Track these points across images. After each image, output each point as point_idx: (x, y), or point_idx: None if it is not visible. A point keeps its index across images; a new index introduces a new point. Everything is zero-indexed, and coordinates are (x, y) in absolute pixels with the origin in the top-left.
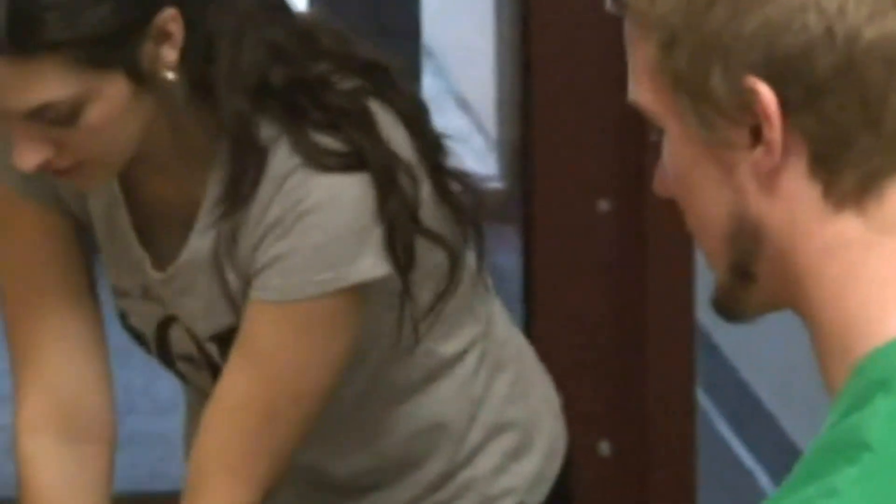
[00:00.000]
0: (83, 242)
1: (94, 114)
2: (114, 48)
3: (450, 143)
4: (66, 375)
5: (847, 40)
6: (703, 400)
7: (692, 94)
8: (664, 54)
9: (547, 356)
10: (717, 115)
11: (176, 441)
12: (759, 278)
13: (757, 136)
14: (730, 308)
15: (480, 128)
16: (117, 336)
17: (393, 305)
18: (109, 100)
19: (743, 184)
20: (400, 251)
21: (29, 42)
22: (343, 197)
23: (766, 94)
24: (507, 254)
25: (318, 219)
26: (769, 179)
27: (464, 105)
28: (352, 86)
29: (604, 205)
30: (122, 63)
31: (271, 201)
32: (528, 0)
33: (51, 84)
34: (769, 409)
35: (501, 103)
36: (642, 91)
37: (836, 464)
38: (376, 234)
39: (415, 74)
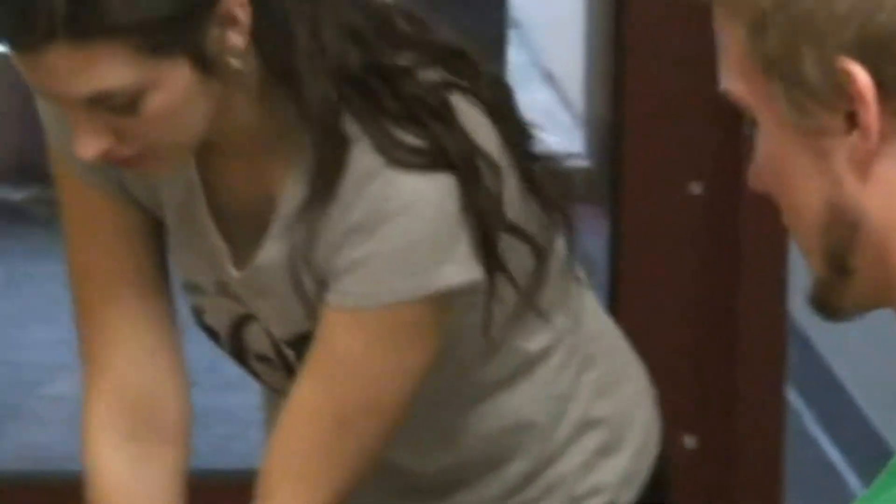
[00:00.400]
0: (156, 234)
1: (156, 102)
2: (176, 33)
3: (535, 123)
4: (136, 372)
5: None
6: (793, 396)
7: (784, 79)
8: (754, 38)
9: (634, 334)
10: (810, 100)
11: (241, 418)
12: (858, 272)
13: (852, 120)
14: (827, 305)
15: (567, 103)
16: (181, 310)
17: (476, 304)
18: (172, 88)
19: (838, 172)
20: (485, 254)
21: (88, 26)
22: (427, 201)
23: (861, 76)
24: (592, 236)
25: (402, 222)
26: (866, 166)
27: (550, 79)
28: (433, 77)
29: (696, 187)
30: (186, 49)
31: (352, 203)
32: None
33: (110, 70)
34: (862, 409)
35: (590, 78)
36: (733, 79)
37: None
38: (462, 239)
39: (500, 46)
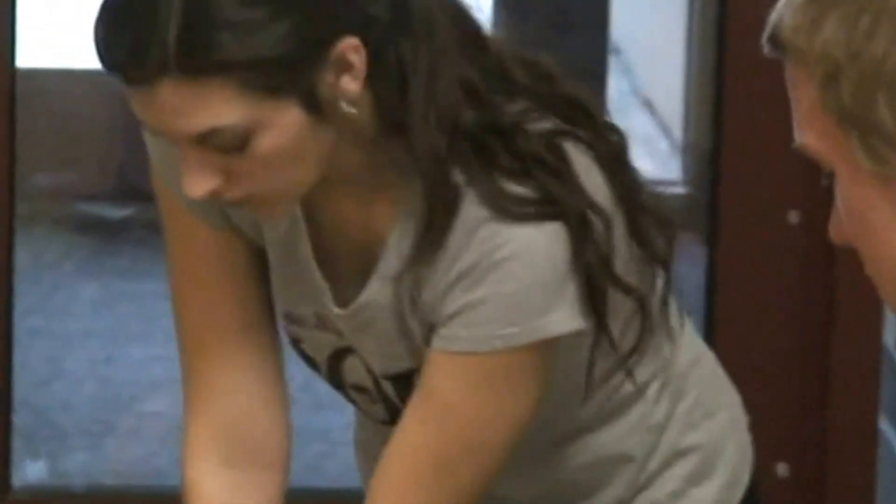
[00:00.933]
0: (259, 262)
1: (266, 143)
2: (288, 74)
3: (634, 148)
4: (237, 398)
5: None
6: (886, 426)
7: (859, 128)
8: (827, 90)
9: (730, 363)
10: (887, 148)
11: (335, 437)
12: None
13: None
14: None
15: (665, 130)
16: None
17: (579, 347)
18: (282, 129)
19: None
20: (593, 305)
21: (199, 63)
22: (537, 248)
23: None
24: (689, 264)
25: (512, 269)
26: None
27: (649, 106)
28: (547, 127)
29: (794, 216)
30: (297, 91)
31: (461, 249)
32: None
33: (220, 108)
34: None
35: (689, 106)
36: (808, 133)
37: None
38: (569, 288)
39: (601, 73)
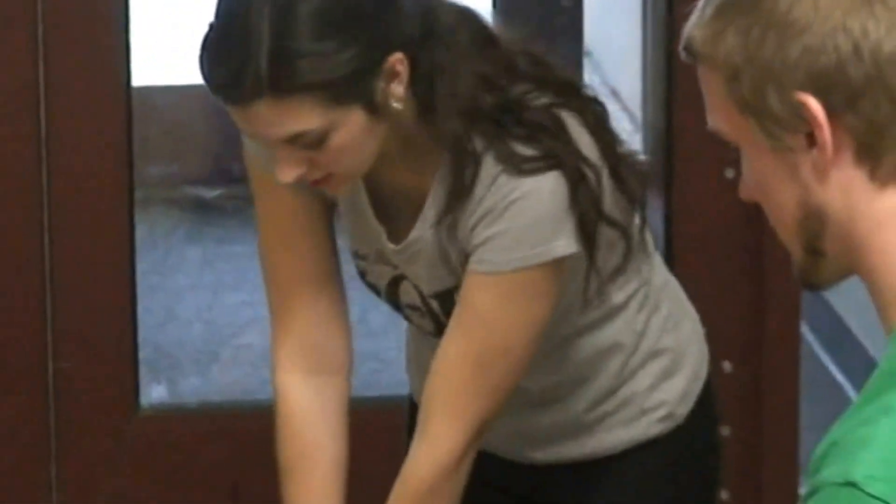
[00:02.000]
0: (327, 217)
1: (338, 139)
2: (353, 88)
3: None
4: (313, 323)
5: (872, 53)
6: (806, 331)
7: (756, 115)
8: (730, 87)
9: (684, 284)
10: (778, 128)
11: (385, 357)
12: (828, 254)
13: (811, 139)
14: (809, 281)
15: (629, 113)
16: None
17: (578, 270)
18: (350, 128)
19: (805, 179)
20: (587, 234)
21: (285, 85)
22: (542, 191)
23: (814, 105)
24: (649, 213)
25: (523, 207)
26: (825, 172)
27: (615, 95)
28: (545, 101)
29: (729, 172)
30: (360, 99)
31: (484, 197)
32: (671, 5)
33: (302, 118)
34: (857, 337)
35: (646, 94)
36: (718, 119)
37: (890, 387)
38: (569, 221)
39: (578, 70)
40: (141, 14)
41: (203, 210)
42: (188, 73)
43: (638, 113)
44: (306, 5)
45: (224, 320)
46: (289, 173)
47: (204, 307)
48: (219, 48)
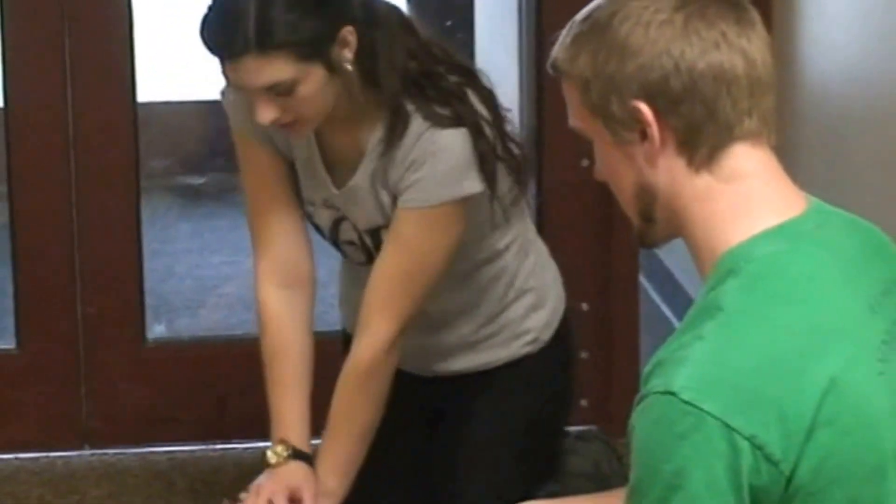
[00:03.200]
0: (292, 169)
1: (304, 89)
2: (316, 49)
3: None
4: (285, 246)
5: (688, 70)
6: (643, 279)
7: (603, 116)
8: (584, 95)
9: (552, 246)
10: (619, 126)
11: (328, 302)
12: (658, 220)
13: (644, 135)
14: (645, 241)
15: (511, 119)
16: None
17: (483, 205)
18: (313, 81)
19: (640, 165)
20: (488, 173)
21: (267, 44)
22: (454, 144)
23: (645, 109)
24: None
25: (440, 157)
26: (654, 160)
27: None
28: (455, 79)
29: (585, 161)
30: (321, 59)
31: (411, 147)
32: (541, 35)
33: (279, 70)
34: (681, 283)
35: (523, 100)
36: (576, 120)
37: (702, 319)
38: (474, 166)
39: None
40: (145, 46)
41: (193, 194)
42: (180, 92)
43: (517, 115)
44: None
45: (209, 276)
46: (266, 115)
47: (194, 266)
48: (217, 18)
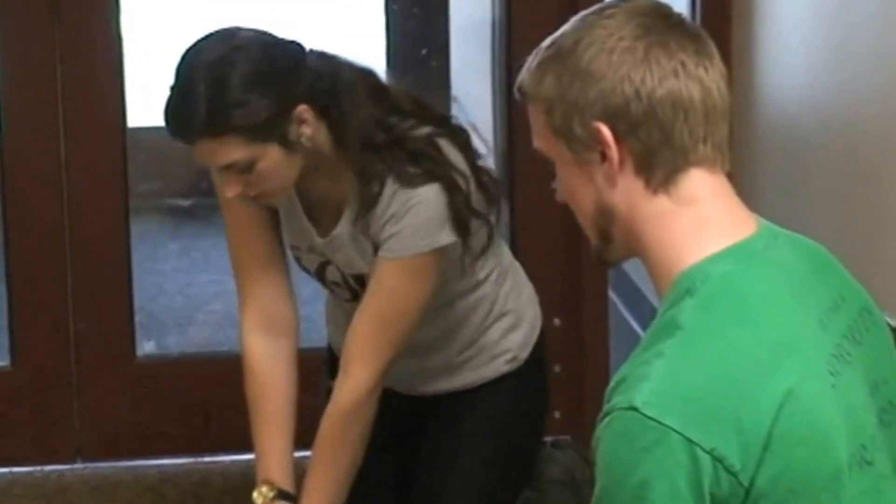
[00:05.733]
0: (275, 221)
1: (262, 167)
2: (269, 130)
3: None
4: (269, 298)
5: (648, 96)
6: (612, 294)
7: (566, 138)
8: (548, 118)
9: (525, 264)
10: (581, 147)
11: (312, 319)
12: (616, 239)
13: (604, 156)
14: (603, 259)
15: (485, 142)
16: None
17: (456, 253)
18: (270, 158)
19: (599, 185)
20: (462, 225)
21: (220, 128)
22: (429, 199)
23: (606, 131)
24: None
25: (416, 211)
26: (613, 180)
27: (475, 129)
28: (427, 131)
29: (555, 183)
30: (275, 138)
31: (388, 204)
32: (511, 67)
33: (233, 151)
34: (648, 298)
35: (496, 127)
36: (540, 141)
37: (662, 338)
38: (448, 218)
39: (448, 111)
40: (134, 75)
41: (181, 215)
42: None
43: (491, 141)
44: (232, 70)
45: (197, 294)
46: (231, 191)
47: (183, 284)
48: (173, 104)
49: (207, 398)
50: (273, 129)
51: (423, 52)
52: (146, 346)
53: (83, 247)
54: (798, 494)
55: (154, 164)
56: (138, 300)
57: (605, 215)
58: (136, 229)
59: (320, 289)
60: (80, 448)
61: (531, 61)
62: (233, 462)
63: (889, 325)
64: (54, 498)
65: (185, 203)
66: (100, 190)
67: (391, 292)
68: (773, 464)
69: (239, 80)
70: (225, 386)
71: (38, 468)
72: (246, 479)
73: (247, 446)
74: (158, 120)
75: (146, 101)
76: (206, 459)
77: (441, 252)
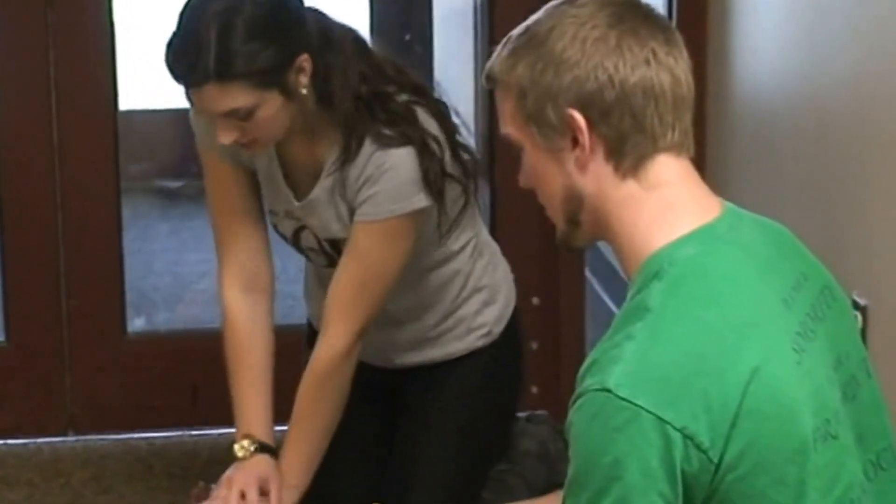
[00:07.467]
0: (255, 183)
1: (262, 114)
2: (273, 77)
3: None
4: (247, 255)
5: (620, 83)
6: (588, 273)
7: (538, 124)
8: (519, 102)
9: (504, 245)
10: (552, 133)
11: (297, 296)
12: (583, 224)
13: (575, 142)
14: (568, 244)
15: (466, 125)
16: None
17: (432, 217)
18: (270, 106)
19: (570, 170)
20: (436, 189)
21: (226, 74)
22: (403, 162)
23: (578, 117)
24: (481, 195)
25: (391, 174)
26: (585, 166)
27: (457, 112)
28: (405, 98)
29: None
30: (278, 86)
31: (365, 165)
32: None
33: (237, 97)
34: (623, 278)
35: (477, 111)
36: (509, 128)
37: (632, 320)
38: (422, 181)
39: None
40: (126, 58)
41: (170, 196)
42: (159, 101)
43: (472, 124)
44: (240, 17)
45: (186, 272)
46: (226, 137)
47: (172, 263)
48: (180, 48)
49: (195, 373)
50: (277, 76)
51: (407, 37)
52: (136, 323)
53: (75, 226)
54: (764, 468)
55: (145, 147)
56: (129, 278)
57: (574, 200)
58: (128, 210)
59: (301, 266)
60: (72, 421)
61: (501, 49)
62: (220, 435)
63: (854, 302)
64: (47, 469)
65: (175, 184)
66: (92, 171)
67: (367, 254)
68: (740, 439)
69: (247, 26)
70: (212, 362)
71: (32, 440)
72: (233, 453)
73: (234, 420)
74: (149, 103)
75: (137, 84)
76: (195, 433)
77: (416, 215)
